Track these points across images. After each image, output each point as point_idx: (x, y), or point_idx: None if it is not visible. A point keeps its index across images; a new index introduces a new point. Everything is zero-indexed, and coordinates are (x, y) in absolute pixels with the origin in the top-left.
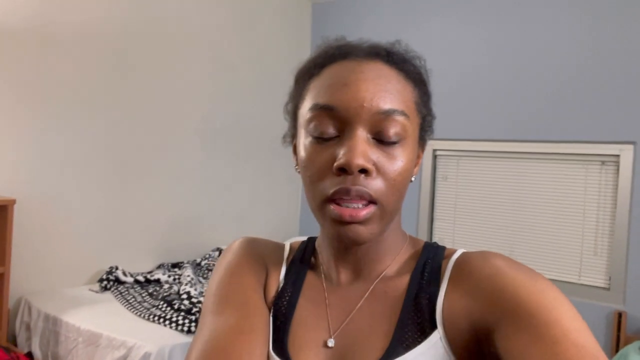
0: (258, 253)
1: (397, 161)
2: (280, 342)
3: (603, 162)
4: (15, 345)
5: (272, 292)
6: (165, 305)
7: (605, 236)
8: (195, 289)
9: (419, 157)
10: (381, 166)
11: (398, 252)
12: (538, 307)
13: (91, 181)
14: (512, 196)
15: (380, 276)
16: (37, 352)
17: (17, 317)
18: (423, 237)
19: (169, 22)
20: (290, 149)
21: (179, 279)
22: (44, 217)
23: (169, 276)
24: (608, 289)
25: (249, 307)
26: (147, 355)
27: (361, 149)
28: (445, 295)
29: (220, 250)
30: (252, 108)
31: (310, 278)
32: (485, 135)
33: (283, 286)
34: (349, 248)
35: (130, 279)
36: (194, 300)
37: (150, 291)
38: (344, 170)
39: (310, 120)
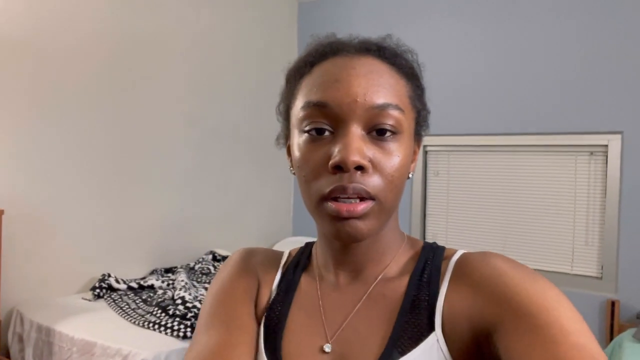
0: (252, 265)
1: (394, 157)
2: (273, 350)
3: (592, 153)
4: (9, 357)
5: (264, 302)
6: (159, 311)
7: (596, 226)
8: (190, 294)
9: (415, 152)
10: (377, 162)
11: (397, 252)
12: (538, 308)
13: (80, 189)
14: (503, 189)
15: (379, 278)
16: None
17: (9, 328)
18: (416, 233)
19: (158, 27)
20: (284, 151)
21: (172, 284)
22: (33, 226)
23: (163, 281)
24: (600, 278)
25: (235, 323)
26: None
27: (356, 145)
28: (445, 297)
29: (213, 254)
30: (241, 110)
31: (304, 284)
32: (475, 130)
33: (275, 295)
34: (348, 248)
35: (123, 286)
36: (188, 305)
37: (144, 297)
38: (339, 168)
39: (303, 119)
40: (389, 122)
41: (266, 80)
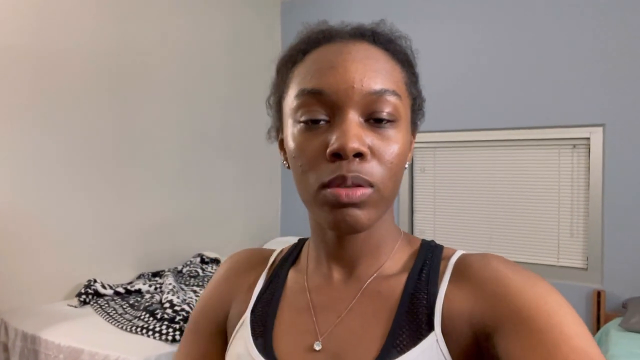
0: (235, 270)
1: (392, 143)
2: (266, 350)
3: (574, 146)
4: None
5: (244, 307)
6: (147, 315)
7: (581, 218)
8: (178, 297)
9: (411, 142)
10: (376, 149)
11: (393, 248)
12: (539, 311)
13: (65, 193)
14: (489, 184)
15: (374, 275)
16: None
17: None
18: (404, 230)
19: (145, 34)
20: (271, 151)
21: (160, 287)
22: (15, 232)
23: (150, 285)
24: (586, 269)
25: (204, 334)
26: None
27: (354, 132)
28: (445, 297)
29: (201, 256)
30: (227, 112)
31: (292, 281)
32: (460, 126)
33: (259, 295)
34: (343, 241)
35: (109, 291)
36: (177, 308)
37: (131, 302)
38: (338, 156)
39: (297, 108)
40: (386, 109)
41: (251, 81)
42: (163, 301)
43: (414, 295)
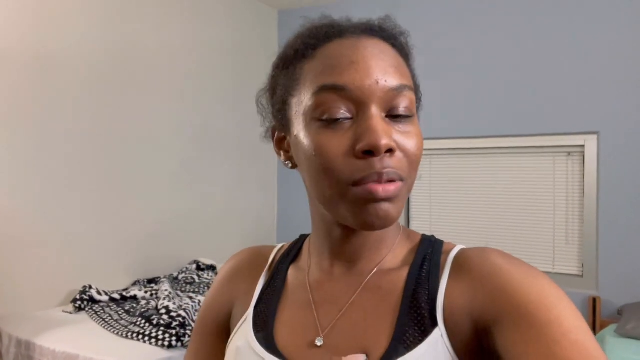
0: (237, 269)
1: (413, 137)
2: (269, 346)
3: (569, 153)
4: None
5: (246, 305)
6: (143, 321)
7: (576, 224)
8: (174, 303)
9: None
10: (401, 143)
11: (393, 243)
12: (538, 305)
13: (60, 199)
14: (484, 191)
15: (375, 269)
16: None
17: None
18: None
19: (142, 37)
20: (269, 154)
21: (156, 294)
22: (11, 238)
23: (146, 292)
24: (581, 276)
25: (210, 334)
26: None
27: (383, 127)
28: (445, 292)
29: (197, 263)
30: (223, 117)
31: (292, 276)
32: (456, 133)
33: (260, 293)
34: (349, 237)
35: (105, 298)
36: (173, 314)
37: (127, 308)
38: (369, 153)
39: (316, 105)
40: (405, 104)
41: (248, 87)
42: (159, 307)
43: (415, 291)
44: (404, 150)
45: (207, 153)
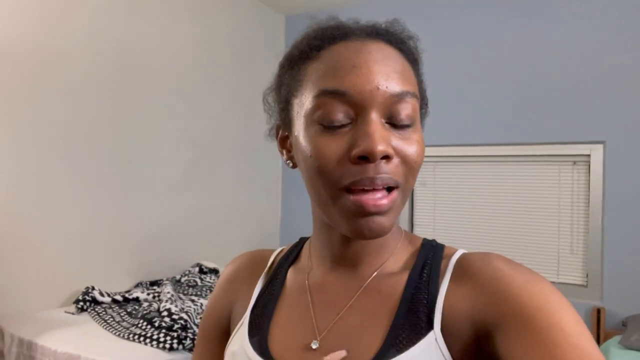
0: (236, 274)
1: (413, 143)
2: (261, 349)
3: (574, 162)
4: None
5: (245, 308)
6: (145, 323)
7: (581, 234)
8: (176, 305)
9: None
10: (400, 150)
11: (395, 247)
12: (539, 310)
13: (63, 199)
14: (489, 199)
15: (375, 273)
16: None
17: None
18: None
19: (148, 42)
20: (273, 158)
21: (158, 296)
22: (13, 238)
23: (148, 294)
24: (586, 286)
25: (212, 338)
26: None
27: (381, 134)
28: (445, 296)
29: (200, 266)
30: (228, 121)
31: (291, 279)
32: (461, 141)
33: (259, 296)
34: (350, 242)
35: (107, 299)
36: (174, 317)
37: (129, 310)
38: (364, 158)
39: (316, 108)
40: (407, 111)
41: (253, 92)
42: (161, 309)
43: (414, 294)
44: (402, 157)
45: (211, 156)
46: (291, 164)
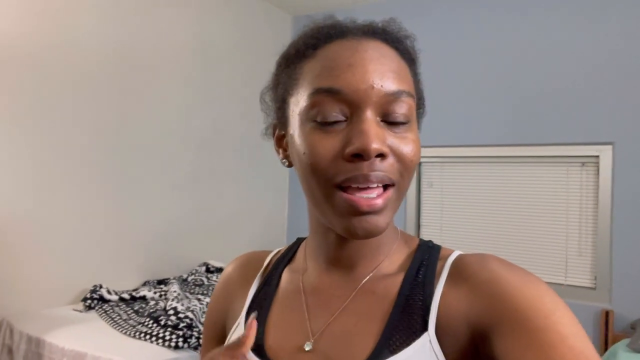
0: (233, 276)
1: (409, 142)
2: (257, 348)
3: (583, 164)
4: None
5: (241, 309)
6: (151, 321)
7: (589, 236)
8: (182, 304)
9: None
10: (395, 148)
11: (391, 248)
12: (536, 312)
13: (71, 198)
14: (496, 200)
15: (370, 274)
16: None
17: None
18: None
19: (153, 39)
20: (274, 153)
21: (165, 295)
22: (22, 236)
23: (155, 293)
24: (594, 288)
25: (214, 340)
26: None
27: (375, 132)
28: (441, 298)
29: (206, 265)
30: (234, 120)
31: (286, 281)
32: (468, 141)
33: (253, 297)
34: (345, 243)
35: (115, 297)
36: (180, 315)
37: (135, 308)
38: (358, 156)
39: (311, 106)
40: (402, 110)
41: (259, 90)
42: (167, 308)
43: (409, 296)
44: (398, 155)
45: (218, 155)
46: (287, 163)
